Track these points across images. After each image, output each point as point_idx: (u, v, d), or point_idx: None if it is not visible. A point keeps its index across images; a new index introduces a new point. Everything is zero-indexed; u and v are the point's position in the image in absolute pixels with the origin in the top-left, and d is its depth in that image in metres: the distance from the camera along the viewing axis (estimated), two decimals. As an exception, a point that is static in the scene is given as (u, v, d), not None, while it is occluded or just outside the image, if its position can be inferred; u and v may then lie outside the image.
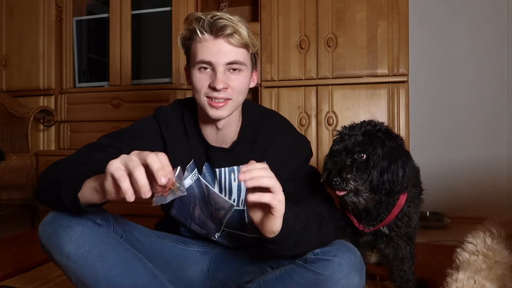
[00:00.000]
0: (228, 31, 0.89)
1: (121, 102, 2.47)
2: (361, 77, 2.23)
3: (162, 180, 0.65)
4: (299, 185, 1.01)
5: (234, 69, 0.93)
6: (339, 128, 1.07)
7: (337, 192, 0.97)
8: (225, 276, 1.03)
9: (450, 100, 2.51)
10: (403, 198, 1.09)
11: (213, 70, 0.92)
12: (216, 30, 0.90)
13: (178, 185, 0.72)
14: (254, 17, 2.69)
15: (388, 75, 2.19)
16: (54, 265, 0.85)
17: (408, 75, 2.18)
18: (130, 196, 0.66)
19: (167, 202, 0.72)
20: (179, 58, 2.48)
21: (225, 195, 1.03)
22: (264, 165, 0.74)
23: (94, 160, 0.90)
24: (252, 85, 1.04)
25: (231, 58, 0.92)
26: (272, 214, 0.72)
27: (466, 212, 2.41)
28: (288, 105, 2.31)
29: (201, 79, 0.94)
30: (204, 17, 0.91)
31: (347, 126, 1.06)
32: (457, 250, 1.06)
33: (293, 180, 1.01)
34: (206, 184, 1.02)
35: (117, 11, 2.56)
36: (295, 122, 2.29)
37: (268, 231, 0.75)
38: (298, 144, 1.07)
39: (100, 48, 2.73)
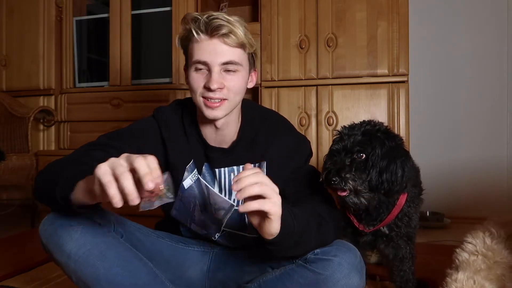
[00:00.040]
0: (223, 31, 0.89)
1: (121, 102, 2.47)
2: (361, 77, 2.23)
3: (149, 185, 0.63)
4: (299, 185, 1.01)
5: (230, 70, 0.93)
6: (339, 128, 1.08)
7: (339, 193, 0.97)
8: (225, 276, 1.03)
9: (450, 100, 2.51)
10: (403, 198, 1.09)
11: (209, 70, 0.92)
12: (211, 30, 0.89)
13: (165, 191, 0.70)
14: (254, 17, 2.69)
15: (388, 75, 2.19)
16: (54, 265, 0.85)
17: (408, 75, 2.18)
18: (117, 202, 0.63)
19: (154, 208, 0.70)
20: (179, 58, 2.48)
21: (225, 195, 1.03)
22: (256, 170, 0.73)
23: (93, 160, 0.89)
24: (251, 85, 1.03)
25: (226, 58, 0.91)
26: (269, 218, 0.71)
27: (466, 212, 2.41)
28: (288, 105, 2.31)
29: (197, 79, 0.94)
30: (200, 17, 0.91)
31: (347, 126, 1.06)
32: (457, 250, 1.06)
33: (293, 180, 1.02)
34: (206, 184, 1.02)
35: (117, 11, 2.57)
36: (295, 122, 2.29)
37: (267, 233, 0.75)
38: (298, 144, 1.07)
39: (100, 48, 2.73)
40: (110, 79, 2.56)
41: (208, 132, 1.02)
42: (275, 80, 2.33)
